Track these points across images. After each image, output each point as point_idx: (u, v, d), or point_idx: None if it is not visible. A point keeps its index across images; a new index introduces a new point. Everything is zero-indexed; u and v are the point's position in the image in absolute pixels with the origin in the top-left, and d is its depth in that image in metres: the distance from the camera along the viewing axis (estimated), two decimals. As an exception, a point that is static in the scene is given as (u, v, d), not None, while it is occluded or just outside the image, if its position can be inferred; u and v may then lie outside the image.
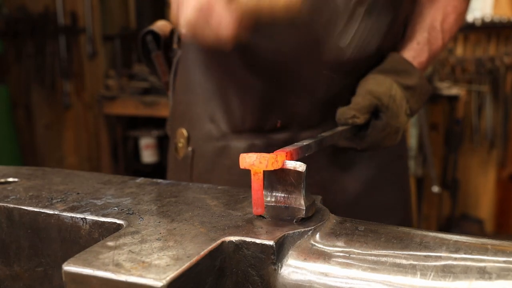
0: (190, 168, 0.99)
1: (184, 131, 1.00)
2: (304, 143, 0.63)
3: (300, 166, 0.53)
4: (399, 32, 0.98)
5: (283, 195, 0.54)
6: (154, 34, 1.08)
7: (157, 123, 3.46)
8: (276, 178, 0.54)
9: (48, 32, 3.75)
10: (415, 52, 0.94)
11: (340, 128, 0.83)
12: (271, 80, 0.89)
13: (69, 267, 0.43)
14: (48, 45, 3.76)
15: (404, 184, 1.09)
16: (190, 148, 0.99)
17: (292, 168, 0.53)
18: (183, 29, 0.73)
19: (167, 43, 1.08)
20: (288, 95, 0.90)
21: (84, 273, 0.42)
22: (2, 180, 0.71)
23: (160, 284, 0.40)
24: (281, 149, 0.56)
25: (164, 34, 1.08)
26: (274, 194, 0.54)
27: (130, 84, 3.55)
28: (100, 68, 3.85)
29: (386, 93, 0.86)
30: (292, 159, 0.56)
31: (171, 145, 1.05)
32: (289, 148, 0.58)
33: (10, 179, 0.71)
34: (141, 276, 0.41)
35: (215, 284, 0.47)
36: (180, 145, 1.01)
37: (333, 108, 0.93)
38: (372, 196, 1.00)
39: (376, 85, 0.87)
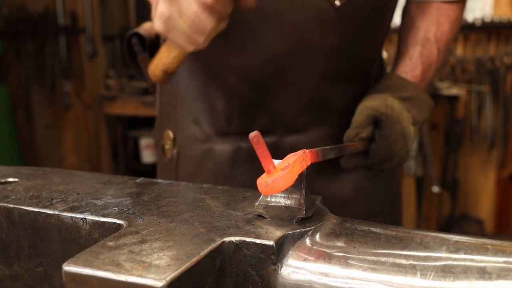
0: (176, 170, 0.99)
1: (170, 133, 0.99)
2: (327, 148, 0.63)
3: (300, 166, 0.53)
4: (383, 38, 0.98)
5: (283, 195, 0.54)
6: (140, 37, 1.06)
7: (157, 123, 3.46)
8: (276, 178, 0.54)
9: (48, 32, 3.75)
10: (407, 67, 0.94)
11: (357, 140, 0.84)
12: (257, 85, 0.89)
13: (69, 267, 0.43)
14: (48, 45, 3.77)
15: (393, 188, 1.09)
16: (175, 151, 0.99)
17: (292, 168, 0.53)
18: (156, 23, 0.71)
19: (153, 45, 1.07)
20: (273, 100, 0.90)
21: (84, 273, 0.42)
22: (2, 180, 0.71)
23: (160, 284, 0.40)
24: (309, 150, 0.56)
25: (150, 36, 1.07)
26: (274, 194, 0.54)
27: (130, 84, 3.55)
28: (100, 68, 3.86)
29: (382, 104, 0.86)
30: (317, 159, 0.56)
31: (158, 147, 1.05)
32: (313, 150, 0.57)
33: (10, 179, 0.71)
34: (141, 276, 0.41)
35: (215, 284, 0.47)
36: (167, 147, 1.01)
37: (319, 114, 0.93)
38: (360, 203, 1.00)
39: (371, 100, 0.87)
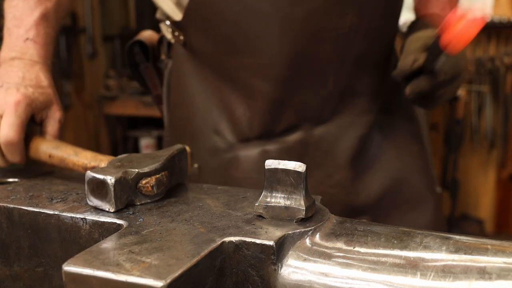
0: None
1: (187, 147, 0.97)
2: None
3: (300, 167, 0.53)
4: (399, 13, 0.96)
5: (283, 195, 0.54)
6: (141, 45, 1.01)
7: (157, 123, 3.45)
8: (276, 178, 0.54)
9: (48, 32, 3.74)
10: (439, 7, 0.93)
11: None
12: (277, 80, 0.86)
13: (69, 267, 0.43)
14: (48, 45, 3.75)
15: (428, 165, 1.03)
16: (196, 165, 0.94)
17: (292, 169, 0.53)
18: None
19: (155, 54, 1.02)
20: (297, 93, 0.87)
21: (84, 273, 0.42)
22: (2, 180, 0.71)
23: (160, 284, 0.40)
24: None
25: (152, 44, 1.02)
26: (274, 194, 0.54)
27: (130, 84, 3.55)
28: (100, 68, 3.85)
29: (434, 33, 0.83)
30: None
31: None
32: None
33: (10, 179, 0.72)
34: (141, 276, 0.41)
35: (215, 284, 0.47)
36: None
37: (344, 100, 0.90)
38: (400, 190, 0.96)
39: (422, 33, 0.85)
